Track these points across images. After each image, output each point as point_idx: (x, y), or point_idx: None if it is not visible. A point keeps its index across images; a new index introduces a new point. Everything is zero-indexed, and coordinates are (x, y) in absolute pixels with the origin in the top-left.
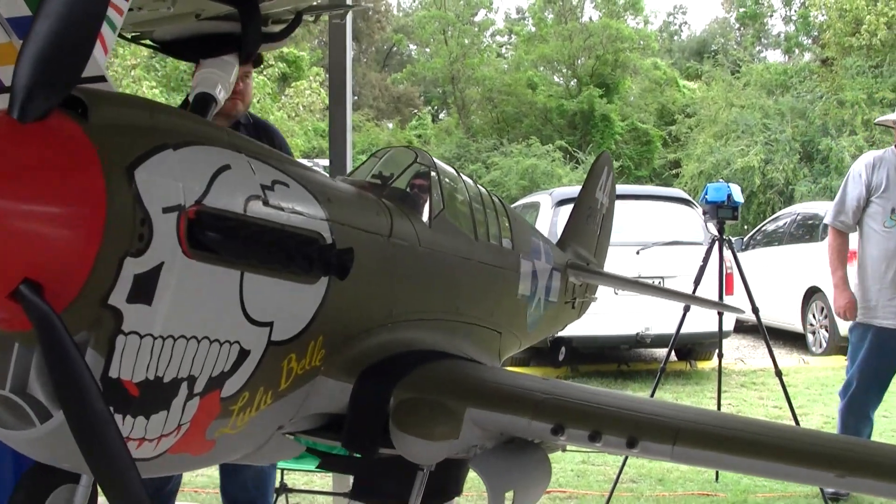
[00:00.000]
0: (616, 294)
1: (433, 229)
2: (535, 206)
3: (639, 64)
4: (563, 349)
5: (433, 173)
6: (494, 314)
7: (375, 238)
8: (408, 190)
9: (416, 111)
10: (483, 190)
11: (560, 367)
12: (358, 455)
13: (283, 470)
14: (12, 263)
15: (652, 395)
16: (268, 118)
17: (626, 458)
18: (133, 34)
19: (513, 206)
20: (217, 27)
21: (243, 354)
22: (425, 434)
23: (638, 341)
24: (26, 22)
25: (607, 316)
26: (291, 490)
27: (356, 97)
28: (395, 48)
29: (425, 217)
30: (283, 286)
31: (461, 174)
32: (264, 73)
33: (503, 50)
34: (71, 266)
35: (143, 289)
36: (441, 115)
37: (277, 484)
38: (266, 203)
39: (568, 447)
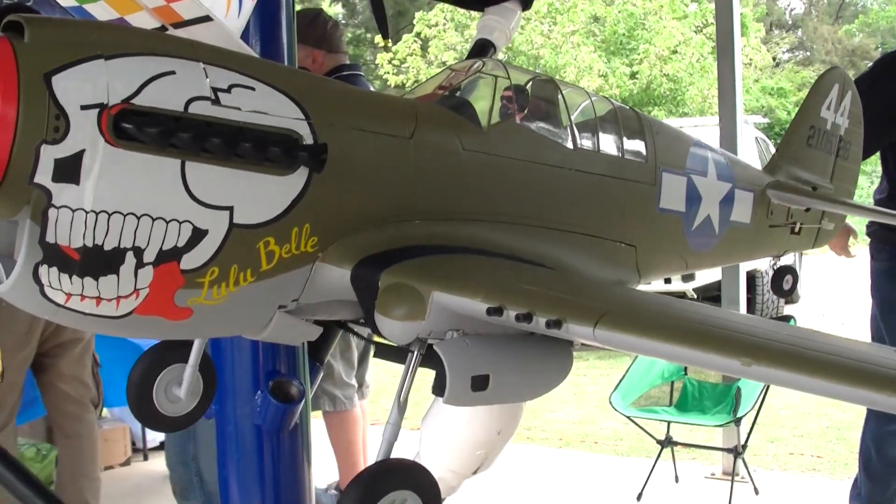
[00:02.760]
0: None
1: (491, 135)
2: None
3: None
4: (788, 278)
5: (499, 79)
6: (616, 227)
7: (387, 139)
8: (466, 98)
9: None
10: (604, 102)
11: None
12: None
13: (668, 422)
14: None
15: None
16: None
17: None
18: None
19: None
20: None
21: (199, 233)
22: (394, 315)
23: None
24: None
25: None
26: (677, 443)
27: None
28: None
29: (483, 123)
30: (240, 175)
31: (569, 85)
32: (704, 31)
33: None
34: None
35: (67, 171)
36: None
37: (663, 436)
38: (216, 103)
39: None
